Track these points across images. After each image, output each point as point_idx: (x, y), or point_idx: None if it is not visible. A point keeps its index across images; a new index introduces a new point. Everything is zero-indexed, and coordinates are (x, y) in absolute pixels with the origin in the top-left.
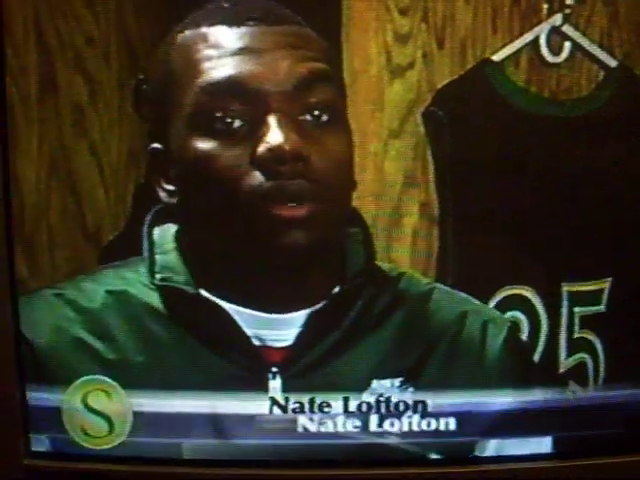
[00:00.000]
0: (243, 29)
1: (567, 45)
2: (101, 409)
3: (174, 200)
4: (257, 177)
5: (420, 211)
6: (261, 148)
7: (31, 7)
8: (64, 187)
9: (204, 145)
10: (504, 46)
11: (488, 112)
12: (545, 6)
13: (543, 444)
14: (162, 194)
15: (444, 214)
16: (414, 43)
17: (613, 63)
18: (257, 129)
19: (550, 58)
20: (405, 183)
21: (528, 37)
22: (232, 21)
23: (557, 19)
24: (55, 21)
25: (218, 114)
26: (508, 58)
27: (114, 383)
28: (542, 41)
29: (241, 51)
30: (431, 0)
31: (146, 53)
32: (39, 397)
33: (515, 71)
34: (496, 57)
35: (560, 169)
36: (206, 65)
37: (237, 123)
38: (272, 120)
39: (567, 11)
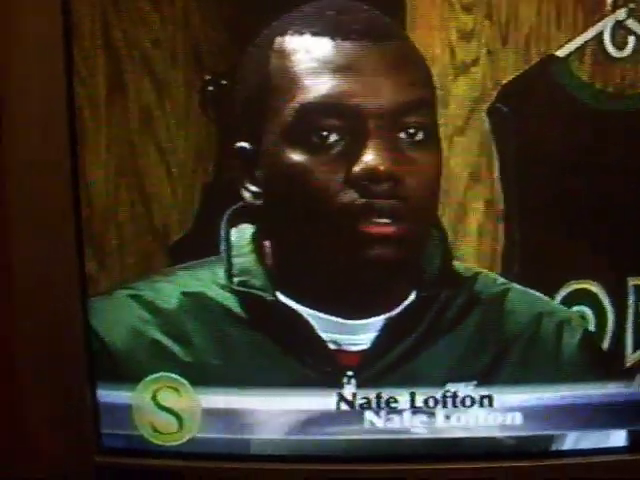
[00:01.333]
0: (347, 44)
1: (631, 40)
2: (171, 406)
3: (258, 202)
4: (350, 195)
5: (485, 207)
6: (357, 167)
7: (98, 10)
8: (132, 187)
9: (298, 156)
10: (568, 42)
11: (553, 108)
12: (609, 1)
13: (618, 437)
14: (246, 194)
15: (509, 210)
16: (478, 40)
17: None
18: (354, 147)
19: (614, 53)
20: (470, 180)
21: (592, 32)
22: (337, 33)
23: (621, 13)
24: (122, 23)
25: (316, 129)
26: (572, 54)
27: (184, 380)
28: (606, 36)
29: (345, 68)
30: None
31: (214, 54)
32: (110, 394)
33: (579, 66)
34: (560, 53)
35: (625, 164)
36: (309, 79)
37: (333, 138)
38: (370, 140)
39: (631, 5)
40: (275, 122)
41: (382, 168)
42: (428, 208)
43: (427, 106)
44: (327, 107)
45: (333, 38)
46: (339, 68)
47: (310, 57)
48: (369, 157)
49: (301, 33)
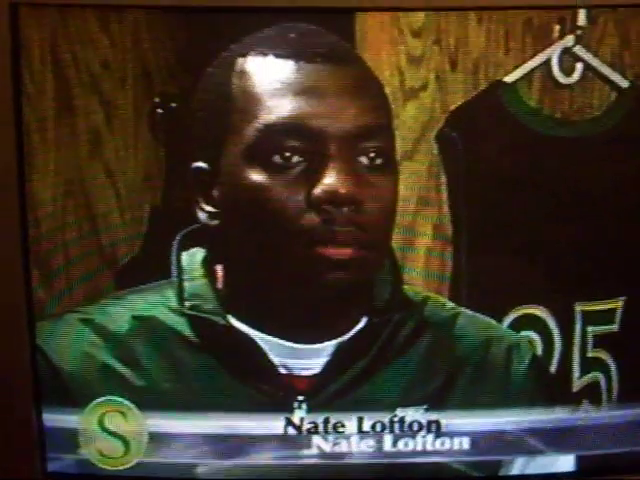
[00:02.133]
0: (311, 66)
1: (579, 66)
2: (117, 430)
3: (214, 222)
4: (310, 217)
5: (434, 231)
6: (317, 189)
7: (47, 30)
8: (80, 209)
9: (258, 176)
10: (516, 67)
11: (501, 133)
12: (557, 27)
13: (567, 462)
14: (201, 214)
15: (458, 234)
16: (427, 65)
17: (625, 84)
18: (315, 169)
19: (562, 79)
20: (419, 204)
21: (540, 58)
22: (301, 56)
23: (569, 40)
24: (71, 44)
25: (277, 149)
26: (521, 79)
27: (130, 404)
28: (554, 62)
29: (307, 90)
30: (444, 22)
31: (164, 76)
32: (57, 418)
33: (528, 92)
34: (509, 78)
35: (573, 189)
36: (272, 100)
37: (295, 159)
38: (331, 163)
39: (579, 32)
40: (236, 142)
41: (342, 191)
42: (384, 232)
43: (386, 131)
44: (289, 128)
45: (297, 61)
46: (303, 90)
47: (274, 78)
48: (330, 179)
49: (264, 54)
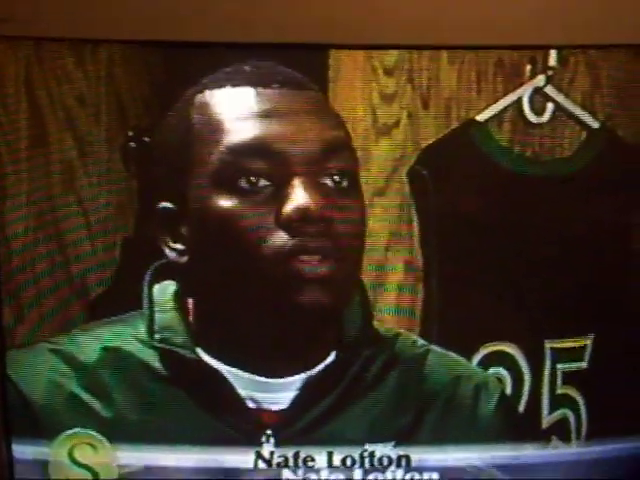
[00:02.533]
0: (269, 91)
1: (550, 106)
2: (87, 462)
3: (183, 259)
4: (282, 236)
5: (405, 268)
6: (287, 208)
7: (22, 64)
8: (52, 240)
9: (227, 202)
10: (488, 106)
11: (472, 172)
12: (528, 67)
13: None
14: (170, 253)
15: (428, 272)
16: (399, 103)
17: (595, 124)
18: (282, 189)
19: (533, 118)
20: (390, 240)
21: (511, 98)
22: (257, 83)
23: (540, 80)
24: (45, 77)
25: (243, 173)
26: (492, 118)
27: (100, 437)
28: (525, 102)
29: (268, 112)
30: (416, 61)
31: (138, 110)
32: (26, 450)
33: (499, 131)
34: (480, 117)
35: (543, 228)
36: (232, 125)
37: (262, 182)
38: (297, 181)
39: (550, 73)
40: (200, 171)
41: (313, 208)
42: (356, 254)
43: (348, 150)
44: (253, 151)
45: (254, 87)
46: (262, 113)
47: (233, 105)
48: (299, 198)
49: (220, 87)
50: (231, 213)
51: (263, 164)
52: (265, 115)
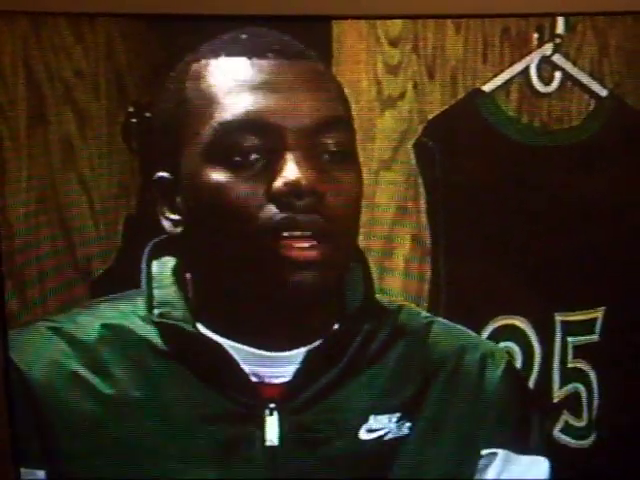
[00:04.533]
0: (264, 62)
1: (557, 75)
2: None
3: (178, 230)
4: (272, 210)
5: (412, 241)
6: (278, 182)
7: (19, 39)
8: (53, 219)
9: (219, 176)
10: (495, 76)
11: (479, 143)
12: (535, 36)
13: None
14: (166, 223)
15: (436, 244)
16: (404, 74)
17: (604, 92)
18: (274, 164)
19: (541, 88)
20: (397, 213)
21: (518, 67)
22: (252, 53)
23: (547, 49)
24: (43, 53)
25: (236, 147)
26: (499, 88)
27: None
28: (532, 71)
29: (262, 85)
30: (421, 30)
31: (138, 85)
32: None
33: (506, 101)
34: (487, 87)
35: (552, 198)
36: (226, 98)
37: (254, 156)
38: (290, 156)
39: (557, 41)
40: (194, 145)
41: (304, 182)
42: (350, 229)
43: (344, 123)
44: (246, 125)
45: (249, 57)
46: (256, 86)
47: (226, 77)
48: (290, 172)
49: (216, 56)
50: (223, 186)
51: (256, 138)
52: (258, 87)
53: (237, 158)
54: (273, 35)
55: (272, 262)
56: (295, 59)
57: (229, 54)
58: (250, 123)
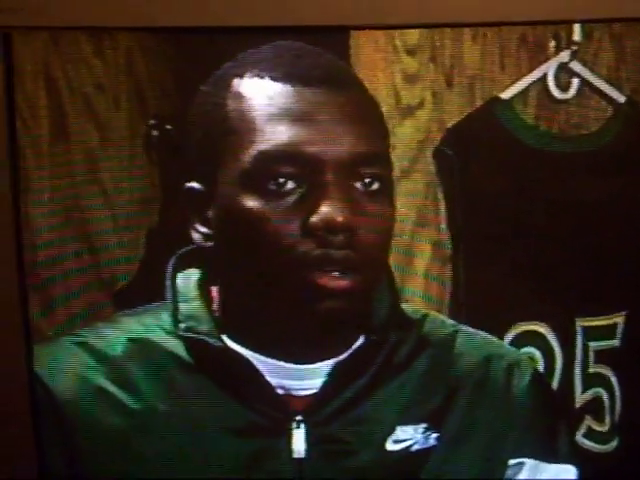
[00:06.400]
0: (307, 91)
1: (575, 81)
2: None
3: (208, 243)
4: (306, 243)
5: (432, 250)
6: (314, 218)
7: (40, 53)
8: (77, 233)
9: (253, 202)
10: (512, 84)
11: (498, 150)
12: (552, 43)
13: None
14: (196, 235)
15: (456, 252)
16: (423, 83)
17: (621, 98)
18: (310, 196)
19: (558, 95)
20: (417, 222)
21: (536, 74)
22: (297, 80)
23: (565, 56)
24: (64, 67)
25: (274, 176)
26: (517, 96)
27: None
28: (550, 78)
29: (304, 116)
30: (438, 39)
31: (158, 98)
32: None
33: (524, 108)
34: (505, 95)
35: (571, 205)
36: (267, 126)
37: (290, 186)
38: (327, 190)
39: (574, 48)
40: (231, 165)
41: (339, 219)
42: (380, 259)
43: (382, 159)
44: (285, 155)
45: (293, 85)
46: (299, 115)
47: (269, 102)
48: (326, 207)
49: (260, 77)
50: (257, 213)
51: (293, 169)
52: (301, 117)
53: (273, 187)
54: (317, 55)
55: (303, 290)
56: (339, 87)
57: (274, 78)
58: (290, 154)
